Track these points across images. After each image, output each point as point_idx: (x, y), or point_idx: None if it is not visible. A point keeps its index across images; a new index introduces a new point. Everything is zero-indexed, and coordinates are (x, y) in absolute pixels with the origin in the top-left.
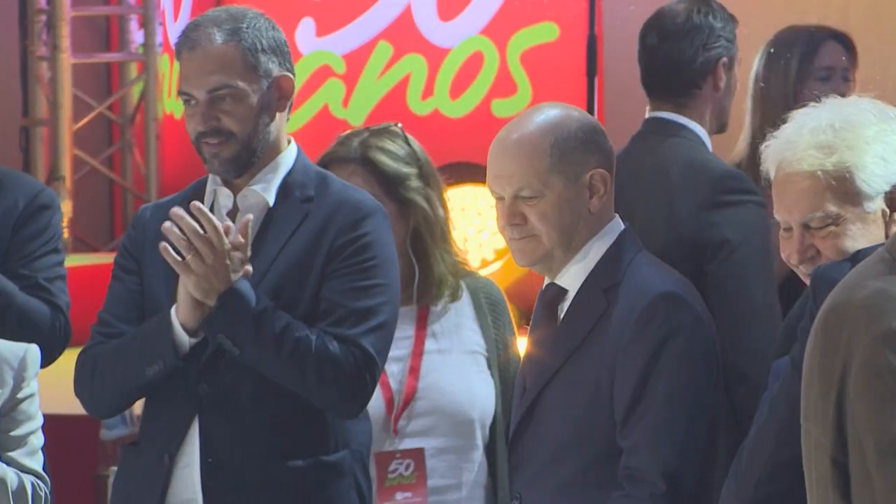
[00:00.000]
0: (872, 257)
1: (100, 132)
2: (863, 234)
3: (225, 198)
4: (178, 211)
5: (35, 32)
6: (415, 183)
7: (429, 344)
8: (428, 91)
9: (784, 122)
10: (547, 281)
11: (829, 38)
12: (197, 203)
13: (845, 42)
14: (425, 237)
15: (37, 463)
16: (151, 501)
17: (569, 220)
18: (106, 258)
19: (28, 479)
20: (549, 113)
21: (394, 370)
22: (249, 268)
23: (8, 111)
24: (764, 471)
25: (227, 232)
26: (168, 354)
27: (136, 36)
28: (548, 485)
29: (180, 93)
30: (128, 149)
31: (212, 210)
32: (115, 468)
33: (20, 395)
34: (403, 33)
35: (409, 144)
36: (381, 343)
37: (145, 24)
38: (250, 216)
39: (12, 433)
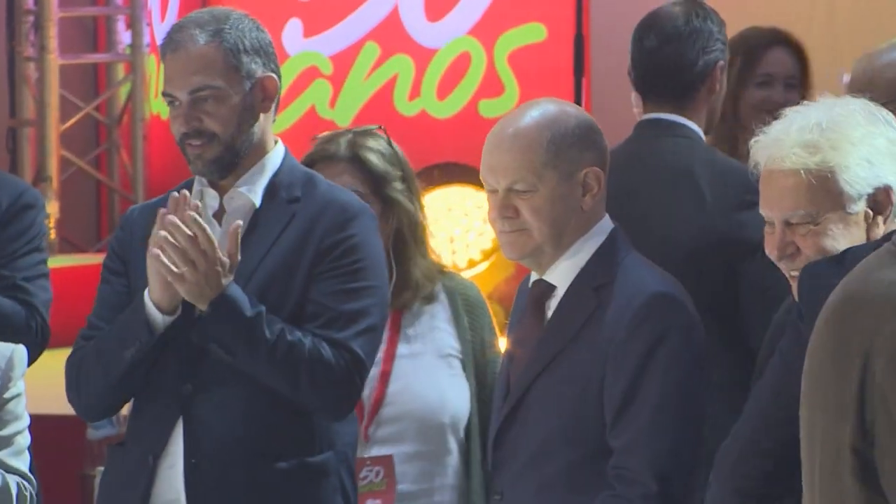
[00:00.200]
0: (879, 252)
1: (87, 133)
2: (843, 235)
3: (211, 199)
4: (173, 219)
5: (22, 33)
6: (399, 185)
7: (401, 348)
8: (415, 92)
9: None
10: (534, 277)
11: (775, 44)
12: (191, 213)
13: (795, 49)
14: (407, 239)
15: (23, 463)
16: (135, 502)
17: (561, 216)
18: (93, 259)
19: (13, 480)
20: (547, 108)
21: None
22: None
23: None
24: (741, 454)
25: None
26: (143, 334)
27: (124, 37)
28: (531, 482)
29: (164, 94)
30: (115, 149)
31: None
32: (101, 468)
33: (7, 395)
34: (390, 34)
35: (391, 146)
36: (370, 345)
37: (132, 24)
38: (239, 222)
39: None
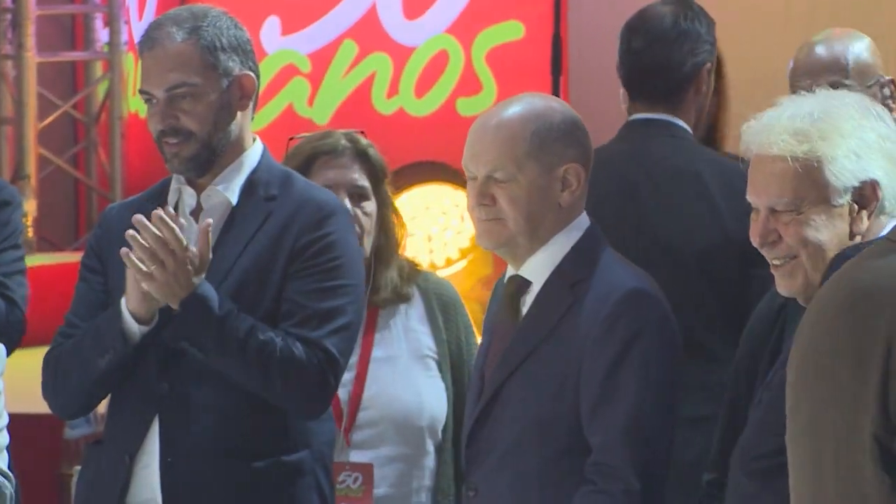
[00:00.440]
0: (880, 249)
1: (65, 131)
2: (826, 226)
3: (189, 197)
4: (140, 219)
5: (0, 31)
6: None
7: (377, 351)
8: (393, 90)
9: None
10: (510, 273)
11: None
12: (158, 212)
13: None
14: (390, 238)
15: (1, 462)
16: (111, 501)
17: (537, 209)
18: (71, 257)
19: None
20: (534, 102)
21: (343, 379)
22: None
23: None
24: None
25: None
26: (118, 344)
27: (101, 35)
28: (506, 477)
29: (141, 92)
30: (93, 147)
31: (176, 208)
32: (78, 467)
33: None
34: (368, 32)
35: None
36: (345, 344)
37: (110, 22)
38: (210, 220)
39: None
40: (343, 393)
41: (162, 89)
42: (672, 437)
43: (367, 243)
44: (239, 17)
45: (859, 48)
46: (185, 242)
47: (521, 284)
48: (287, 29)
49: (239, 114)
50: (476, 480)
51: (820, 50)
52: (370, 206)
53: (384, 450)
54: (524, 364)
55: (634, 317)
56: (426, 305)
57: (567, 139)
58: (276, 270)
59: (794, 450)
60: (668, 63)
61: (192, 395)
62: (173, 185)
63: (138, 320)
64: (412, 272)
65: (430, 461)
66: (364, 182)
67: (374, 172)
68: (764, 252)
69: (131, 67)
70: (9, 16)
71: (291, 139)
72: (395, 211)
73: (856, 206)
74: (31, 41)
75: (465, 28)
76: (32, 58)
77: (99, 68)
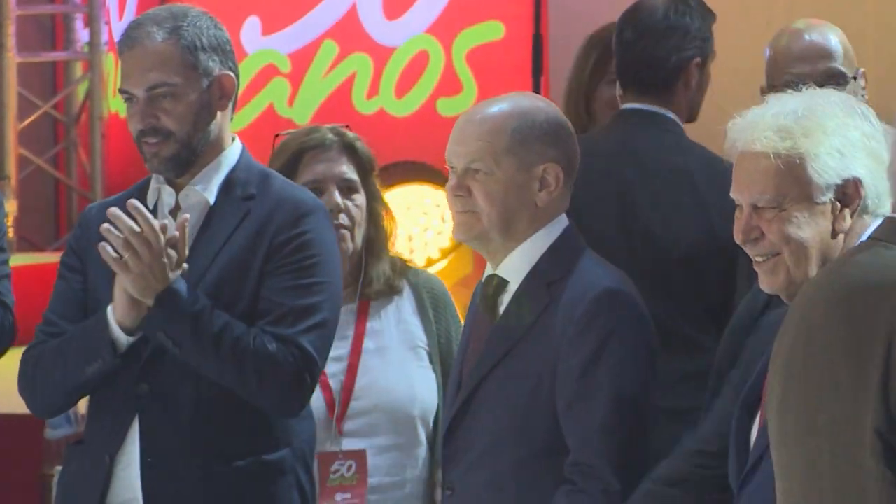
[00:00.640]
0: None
1: (45, 131)
2: (808, 224)
3: (168, 196)
4: (115, 211)
5: None
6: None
7: (368, 342)
8: (373, 90)
9: None
10: (487, 272)
11: None
12: (133, 201)
13: None
14: (380, 230)
15: None
16: (92, 502)
17: (512, 206)
18: (51, 257)
19: None
20: (520, 100)
21: (334, 370)
22: (185, 265)
23: None
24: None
25: (164, 230)
26: (107, 353)
27: (82, 35)
28: (482, 477)
29: (121, 91)
30: (73, 148)
31: (156, 208)
32: (59, 467)
33: None
34: (348, 32)
35: None
36: (321, 341)
37: (90, 22)
38: (187, 216)
39: None
40: (335, 383)
41: (142, 89)
42: (648, 435)
43: (358, 236)
44: (219, 16)
45: (842, 36)
46: (160, 234)
47: (499, 284)
48: (267, 29)
49: (219, 114)
50: (453, 479)
51: (813, 36)
52: (360, 198)
53: (377, 439)
54: (501, 363)
55: (609, 316)
56: (417, 299)
57: (549, 139)
58: (254, 268)
59: (783, 449)
60: (654, 56)
61: (172, 396)
62: (153, 185)
63: (125, 330)
64: (403, 267)
65: (422, 451)
66: (353, 175)
67: (363, 165)
68: (747, 249)
69: (111, 67)
70: None
71: (277, 136)
72: (385, 204)
73: (838, 204)
74: (11, 41)
75: (445, 28)
76: (12, 58)
77: (79, 68)
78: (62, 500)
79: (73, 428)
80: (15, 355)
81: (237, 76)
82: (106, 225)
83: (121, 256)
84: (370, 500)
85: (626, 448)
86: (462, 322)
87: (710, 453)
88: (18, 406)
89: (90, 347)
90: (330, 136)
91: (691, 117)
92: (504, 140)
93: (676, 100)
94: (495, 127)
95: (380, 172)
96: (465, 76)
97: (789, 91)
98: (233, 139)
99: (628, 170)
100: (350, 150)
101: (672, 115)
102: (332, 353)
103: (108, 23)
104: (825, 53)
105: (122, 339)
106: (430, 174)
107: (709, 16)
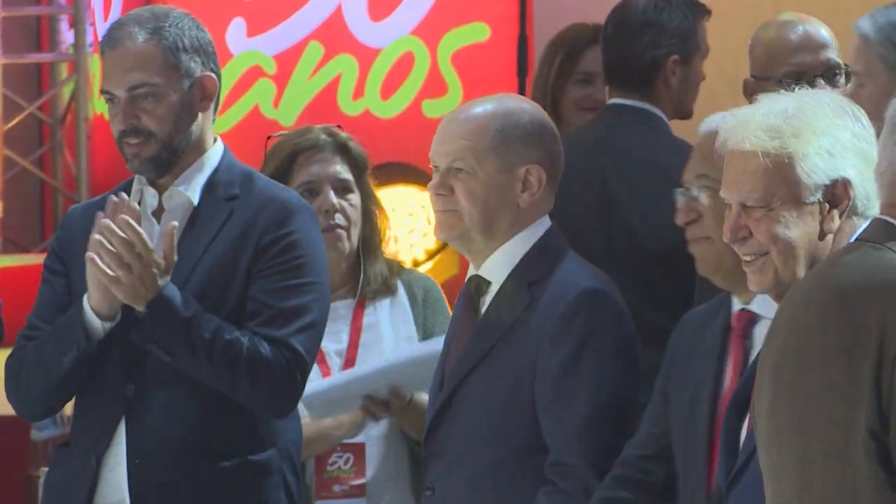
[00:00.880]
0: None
1: (30, 132)
2: (796, 224)
3: (151, 197)
4: (107, 223)
5: None
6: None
7: (365, 337)
8: (359, 91)
9: None
10: (470, 272)
11: (595, 43)
12: (125, 217)
13: None
14: (375, 229)
15: None
16: (79, 503)
17: (493, 206)
18: (37, 259)
19: None
20: (505, 101)
21: (336, 364)
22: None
23: None
24: None
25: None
26: (80, 340)
27: (67, 36)
28: (462, 476)
29: (103, 91)
30: (58, 149)
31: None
32: (45, 469)
33: None
34: (334, 33)
35: None
36: (311, 342)
37: (75, 24)
38: (175, 223)
39: None
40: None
41: (123, 89)
42: (629, 435)
43: (354, 235)
44: (204, 18)
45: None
46: (150, 245)
47: (481, 284)
48: (253, 30)
49: (200, 115)
50: (433, 479)
51: (808, 27)
52: (355, 198)
53: (374, 430)
54: (482, 363)
55: (589, 315)
56: (410, 297)
57: (532, 140)
58: (240, 270)
59: (774, 450)
60: (630, 53)
61: (158, 397)
62: (135, 186)
63: (101, 317)
64: (399, 267)
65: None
66: (347, 175)
67: (356, 165)
68: (735, 248)
69: (97, 69)
70: None
71: (269, 138)
72: (378, 203)
73: (827, 205)
74: None
75: (430, 30)
76: None
77: (64, 70)
78: (49, 502)
79: (60, 429)
80: (1, 356)
81: (219, 77)
82: (97, 237)
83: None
84: (367, 491)
85: (607, 448)
86: None
87: (647, 457)
88: (4, 408)
89: (65, 337)
90: (323, 136)
91: (681, 114)
92: (487, 140)
93: (659, 96)
94: (479, 127)
95: (370, 175)
96: (451, 77)
97: (782, 91)
98: (215, 140)
99: (607, 164)
100: (343, 150)
101: (656, 111)
102: (333, 347)
103: (93, 24)
104: (825, 43)
105: (98, 325)
106: (416, 175)
107: (692, 13)
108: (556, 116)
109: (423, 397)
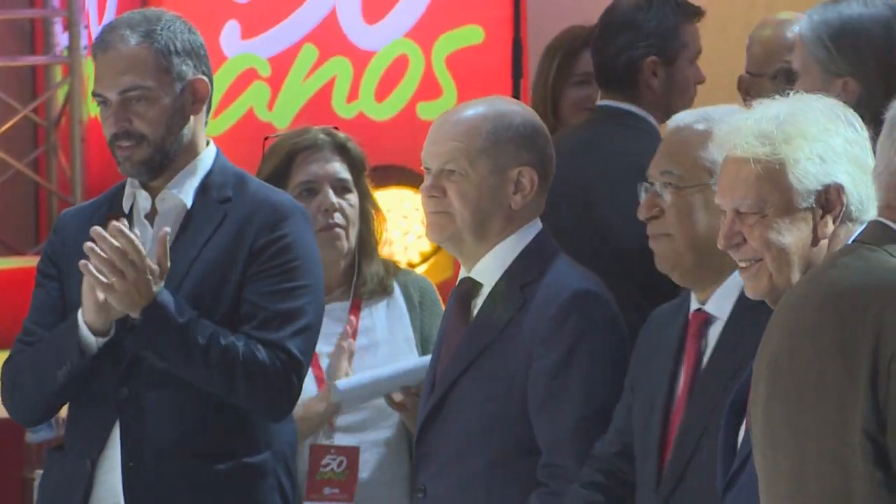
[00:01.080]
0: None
1: (25, 135)
2: (789, 230)
3: (144, 200)
4: (98, 231)
5: None
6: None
7: (361, 339)
8: (353, 94)
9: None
10: (462, 274)
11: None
12: (116, 224)
13: None
14: (372, 231)
15: None
16: None
17: (486, 207)
18: (31, 261)
19: None
20: (498, 103)
21: (328, 366)
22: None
23: None
24: None
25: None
26: (74, 355)
27: (61, 39)
28: (454, 478)
29: (95, 95)
30: (53, 152)
31: (132, 213)
32: (40, 471)
33: None
34: (328, 36)
35: None
36: (307, 344)
37: (70, 26)
38: (167, 228)
39: None
40: (334, 393)
41: (115, 92)
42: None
43: (352, 235)
44: (199, 20)
45: None
46: (143, 251)
47: (472, 286)
48: (247, 33)
49: (192, 118)
50: (425, 481)
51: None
52: (353, 198)
53: (369, 434)
54: (473, 365)
55: (581, 317)
56: (406, 298)
57: (524, 142)
58: (234, 273)
59: (769, 451)
60: (608, 54)
61: (151, 399)
62: (128, 190)
63: (95, 332)
64: (395, 268)
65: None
66: (346, 175)
67: (355, 165)
68: (731, 254)
69: (91, 71)
70: None
71: (267, 138)
72: (375, 204)
73: (820, 211)
74: None
75: (425, 32)
76: None
77: (59, 72)
78: None
79: (54, 432)
80: None
81: (211, 80)
82: (90, 245)
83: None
84: (360, 494)
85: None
86: None
87: (614, 454)
88: None
89: (59, 351)
90: (321, 136)
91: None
92: (479, 141)
93: (644, 97)
94: (471, 128)
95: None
96: (445, 80)
97: (775, 90)
98: (207, 143)
99: (590, 165)
100: (342, 150)
101: (640, 112)
102: (327, 350)
103: (87, 27)
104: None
105: (91, 340)
106: (411, 178)
107: (675, 14)
108: (556, 118)
109: None
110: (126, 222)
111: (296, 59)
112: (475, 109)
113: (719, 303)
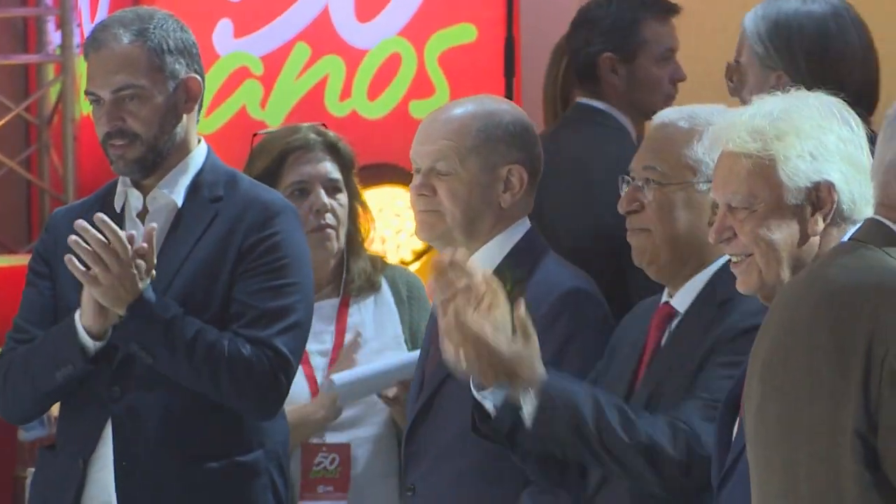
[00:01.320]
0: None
1: (17, 134)
2: (779, 226)
3: (135, 199)
4: (82, 223)
5: None
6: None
7: (350, 337)
8: (346, 92)
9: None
10: None
11: None
12: (100, 215)
13: None
14: (359, 228)
15: None
16: None
17: (476, 206)
18: (24, 259)
19: None
20: (486, 102)
21: (318, 364)
22: (153, 272)
23: None
24: None
25: (130, 241)
26: (77, 359)
27: (54, 37)
28: (444, 476)
29: (87, 93)
30: (45, 150)
31: (123, 211)
32: (32, 470)
33: None
34: (321, 34)
35: None
36: (295, 342)
37: (62, 25)
38: (154, 225)
39: None
40: (320, 377)
41: (108, 91)
42: None
43: (342, 234)
44: (191, 19)
45: None
46: (128, 245)
47: None
48: (240, 31)
49: (185, 116)
50: (414, 479)
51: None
52: (344, 198)
53: (361, 431)
54: None
55: (572, 316)
56: (394, 293)
57: (513, 141)
58: (224, 271)
59: (761, 450)
60: (571, 51)
61: (144, 399)
62: (119, 188)
63: (92, 336)
64: (382, 264)
65: None
66: (337, 175)
67: (345, 164)
68: (723, 248)
69: (84, 70)
70: None
71: (255, 135)
72: (363, 202)
73: (810, 208)
74: None
75: (417, 31)
76: None
77: (51, 71)
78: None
79: (46, 430)
80: None
81: (203, 79)
82: (74, 237)
83: (89, 269)
84: (352, 491)
85: None
86: None
87: None
88: None
89: (59, 353)
90: (312, 136)
91: (642, 113)
92: (469, 140)
93: (608, 95)
94: (460, 127)
95: (356, 174)
96: (438, 78)
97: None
98: (199, 141)
99: (547, 162)
100: (333, 150)
101: (609, 109)
102: (316, 348)
103: (80, 25)
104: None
105: (90, 344)
106: (403, 176)
107: (636, 11)
108: None
109: None
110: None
111: (288, 58)
112: (464, 108)
113: (682, 298)
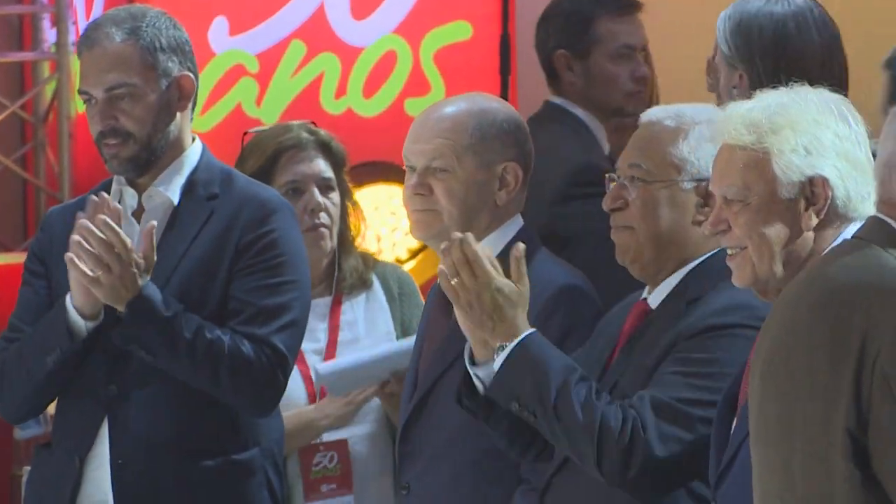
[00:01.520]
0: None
1: (13, 131)
2: (772, 220)
3: (130, 198)
4: (85, 224)
5: None
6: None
7: (343, 334)
8: (341, 90)
9: None
10: None
11: None
12: (103, 217)
13: None
14: (350, 226)
15: None
16: (62, 503)
17: (472, 204)
18: (19, 258)
19: None
20: (478, 100)
21: (314, 362)
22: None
23: None
24: None
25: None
26: (64, 340)
27: (49, 35)
28: (439, 475)
29: (80, 92)
30: (41, 148)
31: None
32: (28, 468)
33: None
34: (317, 32)
35: None
36: (292, 340)
37: (58, 23)
38: (154, 223)
39: None
40: (314, 375)
41: (101, 89)
42: None
43: (335, 233)
44: (186, 17)
45: None
46: (129, 245)
47: None
48: (235, 29)
49: (178, 114)
50: (409, 478)
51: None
52: (336, 197)
53: (356, 428)
54: (457, 362)
55: (567, 312)
56: (385, 290)
57: (508, 138)
58: (222, 269)
59: (762, 449)
60: (536, 50)
61: (140, 396)
62: (114, 187)
63: (84, 316)
64: (373, 261)
65: None
66: (329, 174)
67: (337, 162)
68: (719, 240)
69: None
70: None
71: (246, 133)
72: (354, 200)
73: (804, 203)
74: None
75: (413, 28)
76: None
77: (47, 68)
78: (32, 502)
79: (42, 428)
80: None
81: (197, 77)
82: (76, 237)
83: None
84: (354, 487)
85: None
86: None
87: None
88: None
89: (48, 337)
90: (304, 134)
91: (603, 112)
92: (465, 138)
93: (567, 92)
94: (456, 125)
95: (348, 172)
96: (434, 76)
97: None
98: (193, 139)
99: None
100: (325, 148)
101: (572, 108)
102: (311, 347)
103: (75, 23)
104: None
105: (80, 324)
106: (399, 174)
107: (592, 7)
108: None
109: None
110: (109, 200)
111: (284, 56)
112: (456, 106)
113: (657, 295)
